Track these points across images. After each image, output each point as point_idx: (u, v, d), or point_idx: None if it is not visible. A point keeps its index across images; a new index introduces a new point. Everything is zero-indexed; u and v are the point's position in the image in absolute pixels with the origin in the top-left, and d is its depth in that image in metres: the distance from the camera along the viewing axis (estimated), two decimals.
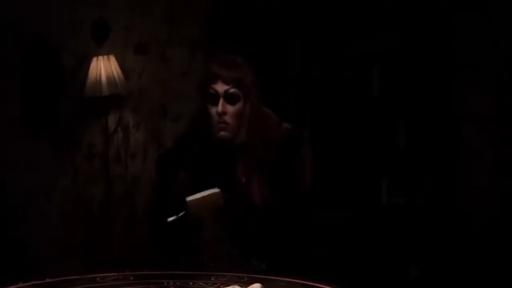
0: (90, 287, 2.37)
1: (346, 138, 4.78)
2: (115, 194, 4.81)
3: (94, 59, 4.57)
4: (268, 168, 2.71)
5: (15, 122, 4.56)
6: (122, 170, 4.85)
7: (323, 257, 3.11)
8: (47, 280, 2.42)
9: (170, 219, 2.58)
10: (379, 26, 4.72)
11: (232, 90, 2.71)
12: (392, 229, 4.66)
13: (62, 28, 4.65)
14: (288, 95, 4.79)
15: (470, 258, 4.34)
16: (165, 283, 2.36)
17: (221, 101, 2.71)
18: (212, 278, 2.42)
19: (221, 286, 2.33)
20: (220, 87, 2.71)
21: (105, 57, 4.56)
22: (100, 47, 4.69)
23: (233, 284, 2.27)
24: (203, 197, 2.59)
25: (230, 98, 2.72)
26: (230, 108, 2.72)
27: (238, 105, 2.73)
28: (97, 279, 2.42)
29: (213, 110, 2.72)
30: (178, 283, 2.37)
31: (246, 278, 2.39)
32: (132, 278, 2.44)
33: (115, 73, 4.56)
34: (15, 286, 2.32)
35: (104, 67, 4.54)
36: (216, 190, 2.60)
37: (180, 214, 2.58)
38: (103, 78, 4.52)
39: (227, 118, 2.71)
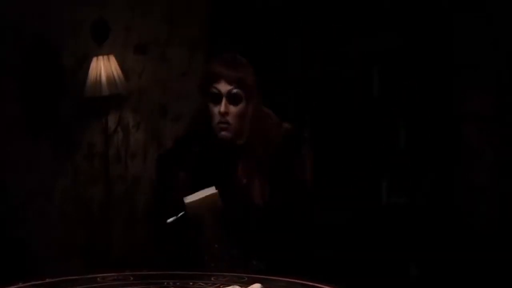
0: (90, 287, 2.36)
1: (346, 138, 4.78)
2: (115, 194, 4.81)
3: (94, 59, 4.57)
4: (269, 168, 2.71)
5: (15, 122, 4.55)
6: (122, 170, 4.85)
7: (323, 257, 3.11)
8: (47, 280, 2.42)
9: (170, 220, 2.58)
10: (379, 26, 4.72)
11: (235, 90, 2.70)
12: (392, 229, 4.66)
13: (62, 28, 4.65)
14: (288, 95, 4.79)
15: (470, 258, 4.34)
16: (165, 283, 2.36)
17: (223, 101, 2.70)
18: (212, 278, 2.42)
19: (221, 286, 2.33)
20: (223, 87, 2.70)
21: (105, 57, 4.56)
22: (100, 47, 4.69)
23: (233, 284, 2.27)
24: (201, 197, 2.58)
25: (233, 98, 2.71)
26: (233, 109, 2.71)
27: (241, 106, 2.72)
28: (97, 279, 2.42)
29: (215, 109, 2.71)
30: (178, 283, 2.37)
31: (246, 278, 2.39)
32: (132, 278, 2.44)
33: (115, 73, 4.55)
34: (15, 286, 2.32)
35: (104, 67, 4.54)
36: (213, 189, 2.59)
37: (179, 215, 2.58)
38: (103, 78, 4.52)
39: (229, 119, 2.70)
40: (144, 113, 4.91)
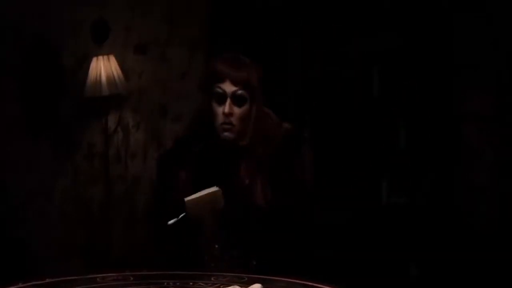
0: (90, 287, 2.36)
1: (346, 138, 4.78)
2: (115, 194, 4.81)
3: (94, 59, 4.57)
4: (269, 168, 2.71)
5: (15, 122, 4.55)
6: (122, 170, 4.85)
7: (323, 257, 3.11)
8: (47, 280, 2.41)
9: (171, 222, 2.57)
10: (379, 26, 4.72)
11: (240, 91, 2.68)
12: (392, 229, 4.66)
13: (62, 28, 4.65)
14: (288, 95, 4.79)
15: (470, 258, 4.34)
16: (165, 283, 2.36)
17: (228, 102, 2.68)
18: (212, 278, 2.42)
19: (221, 286, 2.33)
20: (228, 87, 2.69)
21: (105, 57, 4.56)
22: (100, 47, 4.69)
23: (233, 284, 2.27)
24: (203, 196, 2.58)
25: (237, 100, 2.69)
26: (237, 110, 2.69)
27: (245, 107, 2.70)
28: (97, 279, 2.42)
29: (219, 109, 2.69)
30: (178, 283, 2.37)
31: (246, 278, 2.39)
32: (132, 278, 2.44)
33: (115, 73, 4.56)
34: (15, 286, 2.32)
35: (104, 67, 4.54)
36: (215, 189, 2.58)
37: (180, 216, 2.57)
38: (103, 78, 4.52)
39: (233, 120, 2.69)
40: (144, 113, 4.91)
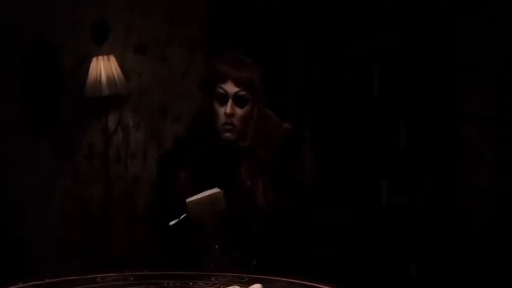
0: (90, 287, 2.36)
1: (346, 138, 4.78)
2: (115, 194, 4.81)
3: (94, 59, 4.57)
4: (271, 169, 2.70)
5: (15, 122, 4.55)
6: (122, 170, 4.85)
7: (323, 257, 3.11)
8: (47, 281, 2.41)
9: (172, 223, 2.57)
10: (379, 26, 4.72)
11: (243, 92, 2.67)
12: (392, 229, 4.66)
13: (62, 28, 4.65)
14: (288, 95, 4.79)
15: (470, 258, 4.34)
16: (165, 283, 2.36)
17: (230, 102, 2.67)
18: (213, 279, 2.42)
19: (221, 287, 2.33)
20: (230, 88, 2.68)
21: (105, 57, 4.56)
22: (100, 47, 4.69)
23: (233, 285, 2.27)
24: (204, 197, 2.58)
25: (239, 100, 2.68)
26: (239, 111, 2.68)
27: (246, 108, 2.69)
28: (97, 279, 2.42)
29: (220, 110, 2.69)
30: (178, 283, 2.37)
31: (246, 279, 2.39)
32: (132, 278, 2.44)
33: (115, 73, 4.55)
34: (15, 286, 2.32)
35: (104, 67, 4.54)
36: (217, 190, 2.58)
37: (181, 217, 2.57)
38: (103, 78, 4.52)
39: (234, 120, 2.68)
40: (144, 113, 4.91)
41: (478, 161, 4.54)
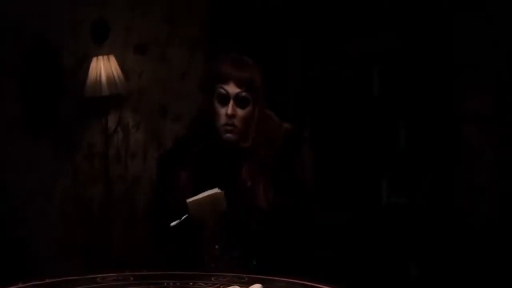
0: (90, 287, 2.36)
1: (346, 138, 4.78)
2: (115, 194, 4.81)
3: (94, 59, 4.57)
4: (271, 170, 2.70)
5: (15, 122, 4.55)
6: (122, 170, 4.85)
7: (323, 257, 3.11)
8: (47, 281, 2.41)
9: (173, 223, 2.57)
10: (379, 26, 4.72)
11: (244, 93, 2.67)
12: (392, 229, 4.66)
13: (62, 28, 4.65)
14: (288, 95, 4.79)
15: (470, 258, 4.34)
16: (165, 284, 2.36)
17: (231, 103, 2.66)
18: (213, 279, 2.42)
19: (221, 287, 2.33)
20: (232, 89, 2.67)
21: (105, 57, 4.56)
22: (100, 47, 4.69)
23: (233, 285, 2.27)
24: (205, 198, 2.57)
25: (241, 101, 2.67)
26: (240, 112, 2.68)
27: (248, 109, 2.69)
28: (97, 279, 2.42)
29: (221, 110, 2.68)
30: (178, 284, 2.37)
31: (246, 279, 2.39)
32: (132, 278, 2.44)
33: (115, 73, 4.55)
34: (15, 287, 2.32)
35: (104, 67, 4.54)
36: (217, 190, 2.58)
37: (182, 218, 2.57)
38: (103, 78, 4.52)
39: (236, 121, 2.67)
40: (144, 113, 4.91)
41: (478, 161, 4.54)
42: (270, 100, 2.81)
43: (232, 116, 2.67)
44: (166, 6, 4.94)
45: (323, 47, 4.85)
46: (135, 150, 4.89)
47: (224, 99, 2.68)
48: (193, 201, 2.57)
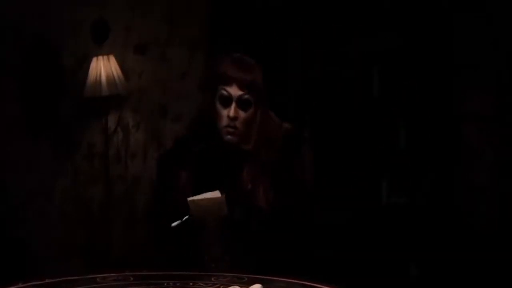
0: (90, 287, 2.36)
1: (346, 138, 4.78)
2: (115, 194, 4.81)
3: (94, 59, 4.57)
4: (272, 171, 2.69)
5: (15, 122, 4.55)
6: (122, 170, 4.85)
7: (323, 257, 3.11)
8: (47, 281, 2.41)
9: (174, 224, 2.56)
10: (379, 26, 4.72)
11: (246, 96, 2.66)
12: (392, 229, 4.66)
13: (62, 28, 4.65)
14: (288, 95, 4.79)
15: (470, 258, 4.34)
16: (165, 284, 2.36)
17: (233, 106, 2.65)
18: (213, 279, 2.42)
19: (221, 287, 2.33)
20: (235, 91, 2.66)
21: (105, 57, 4.56)
22: (100, 47, 4.69)
23: (233, 285, 2.27)
24: (205, 200, 2.56)
25: (243, 104, 2.66)
26: (242, 114, 2.66)
27: (250, 111, 2.68)
28: (97, 279, 2.42)
29: (223, 112, 2.67)
30: (178, 284, 2.37)
31: (246, 279, 2.39)
32: (132, 278, 2.44)
33: (115, 73, 4.55)
34: (15, 287, 2.32)
35: (104, 67, 4.54)
36: (219, 194, 2.56)
37: (184, 219, 2.57)
38: (103, 78, 4.52)
39: (237, 123, 2.66)
40: (144, 113, 4.91)
41: (478, 161, 4.54)
42: (270, 100, 2.81)
43: (234, 118, 2.65)
44: (166, 6, 4.94)
45: (323, 47, 4.85)
46: (135, 150, 4.89)
47: (226, 101, 2.67)
48: (194, 202, 2.56)
